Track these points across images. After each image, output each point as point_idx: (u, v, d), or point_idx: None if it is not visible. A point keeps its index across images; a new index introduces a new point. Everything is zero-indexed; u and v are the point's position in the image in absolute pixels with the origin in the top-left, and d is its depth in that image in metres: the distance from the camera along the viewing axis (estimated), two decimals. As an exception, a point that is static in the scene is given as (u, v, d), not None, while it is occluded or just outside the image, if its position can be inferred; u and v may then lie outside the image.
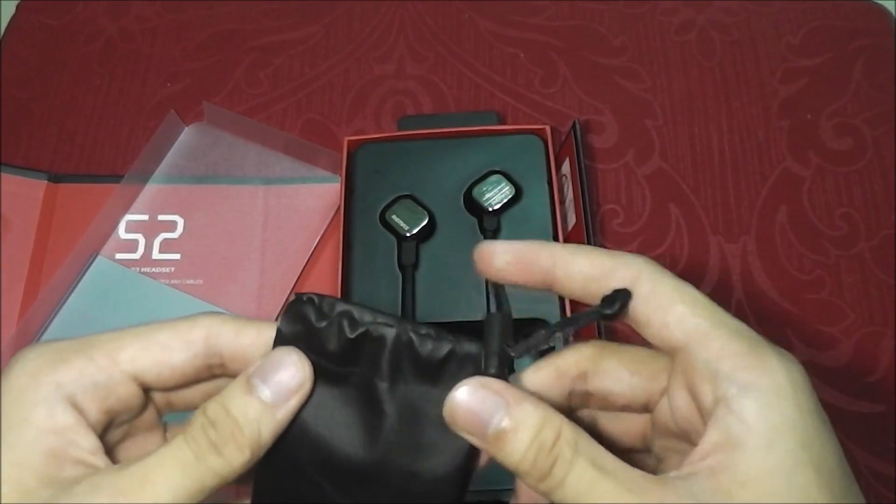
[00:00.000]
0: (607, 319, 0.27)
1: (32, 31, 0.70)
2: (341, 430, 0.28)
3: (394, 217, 0.54)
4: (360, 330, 0.28)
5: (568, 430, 0.26)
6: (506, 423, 0.26)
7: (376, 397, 0.28)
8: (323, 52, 0.68)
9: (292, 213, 0.59)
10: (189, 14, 0.70)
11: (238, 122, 0.62)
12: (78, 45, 0.69)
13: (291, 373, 0.27)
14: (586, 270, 0.28)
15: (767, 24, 0.67)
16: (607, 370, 0.30)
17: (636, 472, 0.25)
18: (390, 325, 0.28)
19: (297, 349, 0.28)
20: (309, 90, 0.66)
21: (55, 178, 0.61)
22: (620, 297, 0.27)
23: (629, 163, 0.62)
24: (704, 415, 0.26)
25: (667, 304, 0.27)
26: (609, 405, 0.31)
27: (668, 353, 0.28)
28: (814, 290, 0.57)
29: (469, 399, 0.26)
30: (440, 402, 0.27)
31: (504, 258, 0.29)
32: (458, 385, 0.27)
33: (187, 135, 0.63)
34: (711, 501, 0.24)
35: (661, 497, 0.24)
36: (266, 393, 0.27)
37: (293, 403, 0.27)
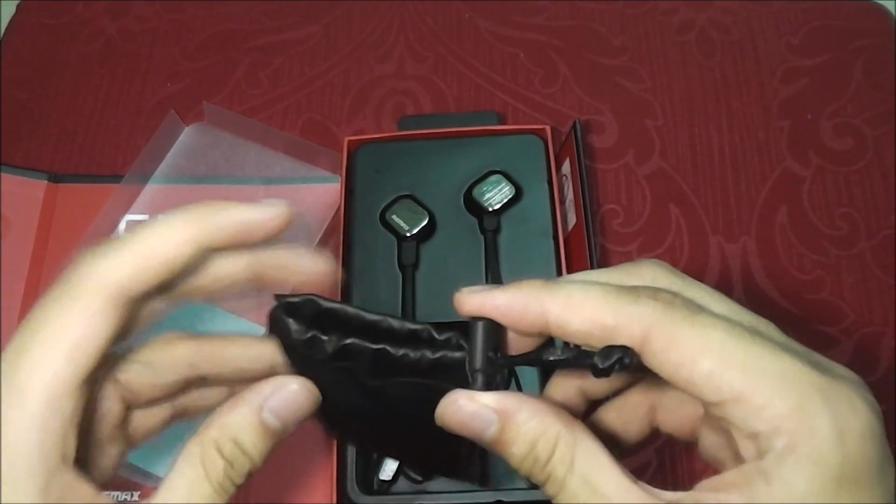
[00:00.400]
0: (601, 376, 0.24)
1: (32, 31, 0.70)
2: (349, 398, 0.29)
3: (394, 217, 0.54)
4: (339, 345, 0.27)
5: (565, 443, 0.25)
6: (498, 435, 0.26)
7: (374, 387, 0.28)
8: (323, 52, 0.68)
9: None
10: (189, 14, 0.70)
11: (238, 122, 0.62)
12: (78, 45, 0.69)
13: (300, 403, 0.28)
14: (585, 329, 0.25)
15: (767, 24, 0.67)
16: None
17: (635, 492, 0.24)
18: (368, 345, 0.27)
19: (303, 380, 0.28)
20: (309, 90, 0.66)
21: (55, 178, 0.61)
22: (617, 356, 0.24)
23: (629, 163, 0.62)
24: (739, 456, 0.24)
25: (689, 360, 0.23)
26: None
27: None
28: (814, 290, 0.57)
29: (457, 415, 0.26)
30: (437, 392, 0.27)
31: (488, 311, 0.26)
32: (443, 400, 0.26)
33: (187, 135, 0.63)
34: None
35: None
36: (278, 427, 0.27)
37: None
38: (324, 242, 0.58)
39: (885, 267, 0.58)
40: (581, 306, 0.25)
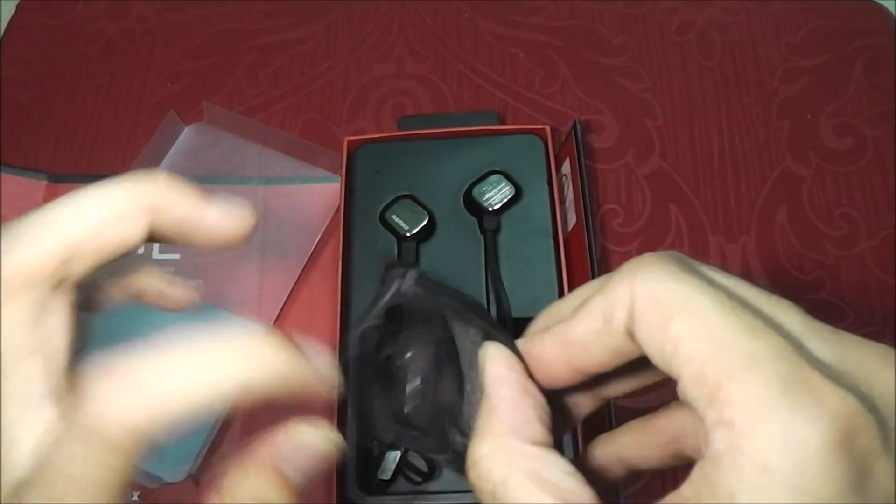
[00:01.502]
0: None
1: (32, 31, 0.70)
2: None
3: (394, 217, 0.54)
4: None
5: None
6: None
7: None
8: (323, 52, 0.68)
9: (292, 213, 0.59)
10: (189, 14, 0.70)
11: (238, 122, 0.62)
12: (78, 45, 0.69)
13: (322, 454, 0.25)
14: (588, 329, 0.23)
15: (767, 24, 0.67)
16: None
17: None
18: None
19: (325, 428, 0.25)
20: (309, 90, 0.66)
21: (55, 178, 0.61)
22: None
23: (629, 163, 0.62)
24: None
25: (666, 319, 0.21)
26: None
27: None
28: (814, 290, 0.57)
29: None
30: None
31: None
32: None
33: (187, 135, 0.63)
34: None
35: None
36: (300, 480, 0.25)
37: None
38: (324, 242, 0.58)
39: (885, 267, 0.58)
40: (566, 303, 0.25)
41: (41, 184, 0.60)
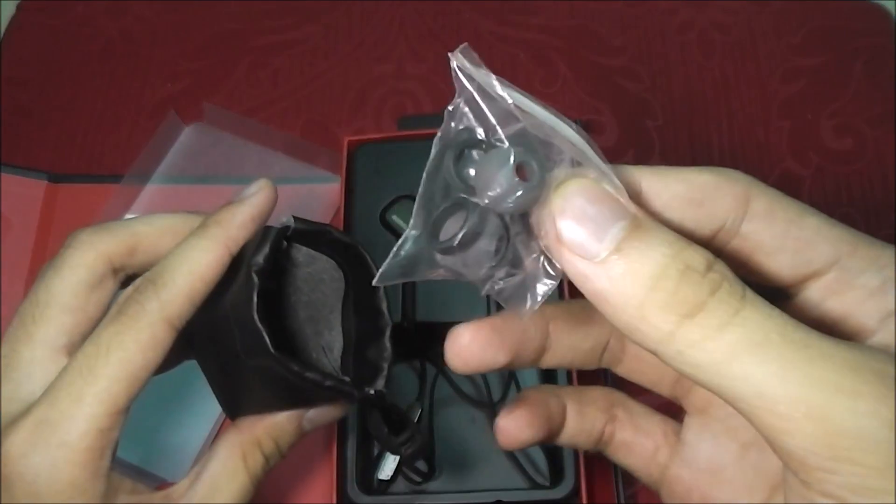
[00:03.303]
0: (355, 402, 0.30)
1: (32, 31, 0.70)
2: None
3: (394, 217, 0.54)
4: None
5: (726, 266, 0.20)
6: (628, 231, 0.19)
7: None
8: (323, 52, 0.68)
9: (292, 213, 0.59)
10: (189, 14, 0.70)
11: (238, 123, 0.62)
12: (78, 45, 0.69)
13: (333, 416, 0.33)
14: (684, 192, 0.22)
15: (767, 24, 0.67)
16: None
17: (846, 347, 0.19)
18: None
19: None
20: (309, 90, 0.66)
21: (55, 178, 0.61)
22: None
23: (629, 163, 0.62)
24: (863, 332, 0.22)
25: (796, 217, 0.23)
26: (747, 266, 0.24)
27: (803, 278, 0.23)
28: (814, 290, 0.57)
29: (582, 201, 0.20)
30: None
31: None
32: (564, 182, 0.20)
33: (187, 135, 0.63)
34: None
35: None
36: (309, 430, 0.32)
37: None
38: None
39: (885, 267, 0.58)
40: (675, 172, 0.23)
41: (41, 184, 0.60)
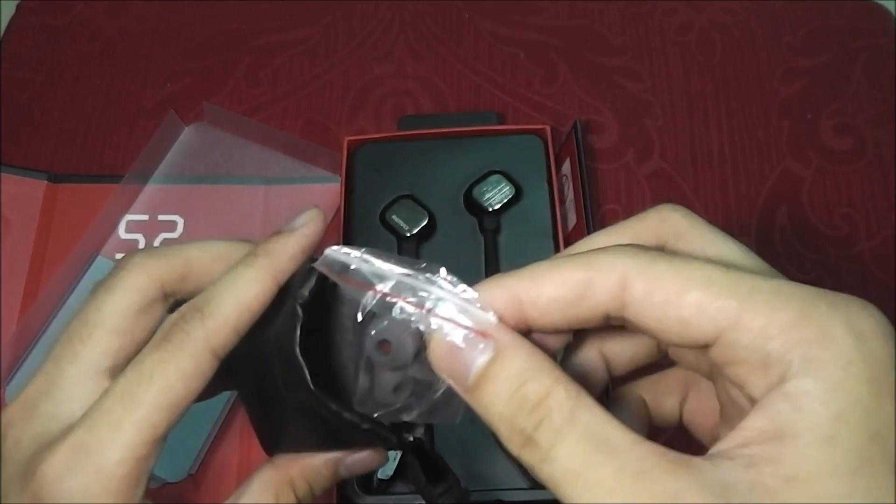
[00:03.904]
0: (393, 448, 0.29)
1: (32, 31, 0.70)
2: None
3: (394, 217, 0.54)
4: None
5: (563, 389, 0.21)
6: (486, 369, 0.23)
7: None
8: (323, 52, 0.68)
9: (292, 213, 0.59)
10: (189, 14, 0.70)
11: (238, 122, 0.62)
12: (78, 45, 0.69)
13: (370, 464, 0.31)
14: (557, 295, 0.23)
15: (767, 24, 0.67)
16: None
17: (649, 448, 0.20)
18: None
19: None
20: (309, 90, 0.66)
21: (55, 178, 0.61)
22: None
23: (629, 163, 0.62)
24: (741, 408, 0.22)
25: (674, 295, 0.22)
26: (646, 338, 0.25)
27: (698, 350, 0.23)
28: (814, 290, 0.57)
29: (443, 346, 0.23)
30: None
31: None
32: (435, 336, 0.24)
33: (187, 135, 0.63)
34: (746, 501, 0.19)
35: (675, 487, 0.19)
36: (345, 477, 0.31)
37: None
38: (324, 242, 0.58)
39: (885, 267, 0.58)
40: (548, 273, 0.23)
41: (41, 184, 0.60)
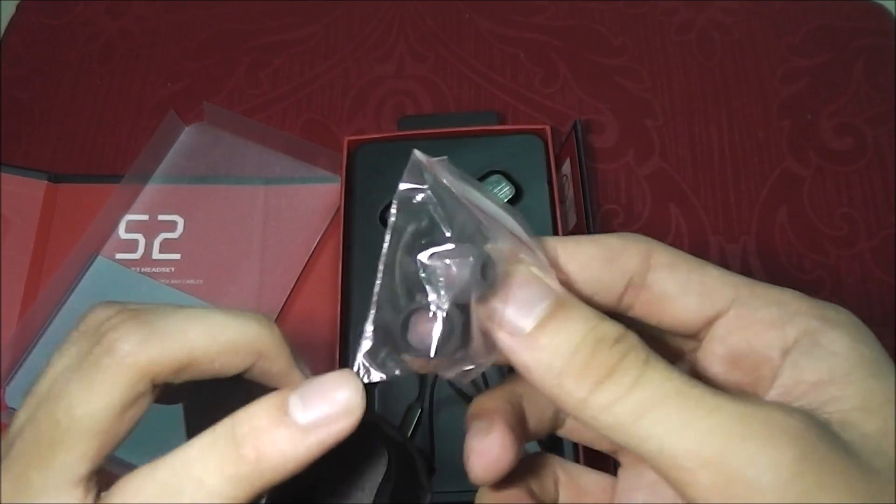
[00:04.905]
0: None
1: (32, 31, 0.70)
2: None
3: (394, 217, 0.54)
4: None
5: (632, 332, 0.22)
6: (551, 310, 0.22)
7: None
8: (323, 52, 0.68)
9: (292, 213, 0.59)
10: (189, 14, 0.70)
11: (238, 122, 0.62)
12: (78, 45, 0.69)
13: (342, 396, 0.23)
14: (596, 252, 0.25)
15: (767, 24, 0.67)
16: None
17: (737, 400, 0.21)
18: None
19: (352, 372, 0.24)
20: (309, 90, 0.66)
21: (55, 178, 0.61)
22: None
23: (629, 163, 0.62)
24: (768, 365, 0.23)
25: (697, 266, 0.25)
26: (657, 315, 0.26)
27: (708, 321, 0.24)
28: (814, 291, 0.57)
29: (513, 285, 0.23)
30: None
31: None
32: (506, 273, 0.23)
33: (187, 135, 0.63)
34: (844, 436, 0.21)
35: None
36: (301, 417, 0.23)
37: (334, 430, 0.23)
38: (324, 242, 0.58)
39: (885, 267, 0.58)
40: (588, 238, 0.25)
41: (41, 184, 0.60)
